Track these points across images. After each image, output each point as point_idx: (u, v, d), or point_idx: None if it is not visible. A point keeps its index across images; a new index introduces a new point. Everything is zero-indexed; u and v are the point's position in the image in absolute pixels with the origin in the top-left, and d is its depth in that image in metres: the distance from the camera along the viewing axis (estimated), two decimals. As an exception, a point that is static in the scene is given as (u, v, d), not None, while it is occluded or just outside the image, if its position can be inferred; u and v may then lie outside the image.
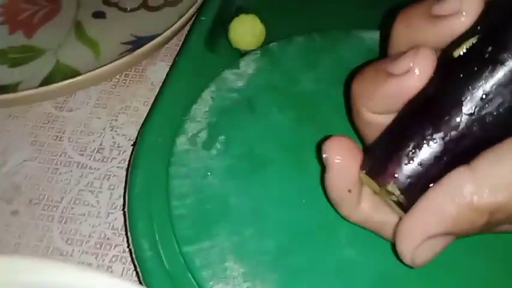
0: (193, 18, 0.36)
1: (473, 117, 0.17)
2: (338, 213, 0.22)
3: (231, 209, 0.24)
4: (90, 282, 0.16)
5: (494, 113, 0.17)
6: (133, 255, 0.24)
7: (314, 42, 0.31)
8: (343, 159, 0.20)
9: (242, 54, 0.32)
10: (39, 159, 0.31)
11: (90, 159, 0.31)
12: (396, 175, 0.18)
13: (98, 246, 0.27)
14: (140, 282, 0.23)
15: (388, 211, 0.20)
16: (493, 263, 0.23)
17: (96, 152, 0.31)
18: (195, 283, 0.22)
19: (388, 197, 0.19)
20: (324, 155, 0.20)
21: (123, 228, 0.28)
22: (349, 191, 0.20)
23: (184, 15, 0.36)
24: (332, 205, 0.22)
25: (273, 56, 0.30)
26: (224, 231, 0.23)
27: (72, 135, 0.32)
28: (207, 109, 0.28)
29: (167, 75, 0.31)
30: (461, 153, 0.17)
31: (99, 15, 0.39)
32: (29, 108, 0.33)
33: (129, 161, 0.29)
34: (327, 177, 0.20)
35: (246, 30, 0.32)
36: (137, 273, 0.24)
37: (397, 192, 0.18)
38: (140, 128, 0.30)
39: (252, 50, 0.31)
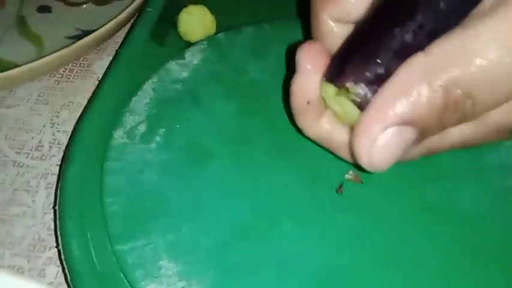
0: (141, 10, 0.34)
1: (429, 8, 0.17)
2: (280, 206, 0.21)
3: (168, 204, 0.23)
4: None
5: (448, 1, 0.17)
6: (62, 257, 0.22)
7: (264, 32, 0.30)
8: (311, 64, 0.19)
9: (191, 45, 0.30)
10: (-29, 158, 0.29)
11: (27, 157, 0.29)
12: (355, 73, 0.18)
13: (32, 248, 0.25)
14: (68, 285, 0.22)
15: (346, 131, 0.20)
16: (437, 250, 0.22)
17: (35, 150, 0.29)
18: (127, 283, 0.21)
19: (348, 98, 0.18)
20: (296, 57, 0.20)
21: (59, 229, 0.26)
22: (308, 102, 0.20)
23: (129, 7, 0.34)
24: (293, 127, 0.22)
25: (221, 46, 0.29)
26: (159, 228, 0.22)
27: (9, 133, 0.30)
28: (147, 101, 0.26)
29: (108, 66, 0.29)
30: (417, 47, 0.17)
31: (44, 9, 0.38)
32: (-36, 105, 0.31)
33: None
34: (293, 81, 0.20)
35: (195, 22, 0.31)
36: (65, 275, 0.22)
37: (357, 90, 0.18)
38: (76, 121, 0.29)
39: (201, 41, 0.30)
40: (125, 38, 0.31)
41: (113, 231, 0.22)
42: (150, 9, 0.32)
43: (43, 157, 0.29)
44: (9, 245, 0.25)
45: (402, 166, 0.24)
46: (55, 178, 0.28)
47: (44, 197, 0.27)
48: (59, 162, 0.29)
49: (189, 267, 0.21)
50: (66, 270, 0.22)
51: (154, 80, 0.27)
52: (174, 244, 0.21)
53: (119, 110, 0.26)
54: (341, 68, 0.18)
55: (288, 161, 0.24)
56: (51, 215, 0.27)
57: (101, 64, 0.34)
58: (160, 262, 0.21)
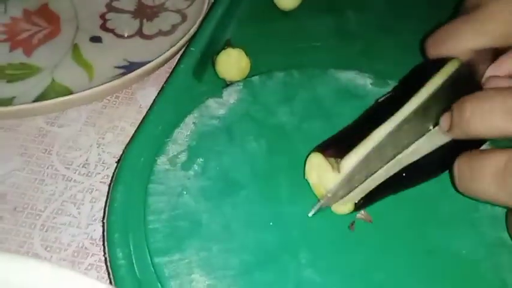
0: (184, 48, 0.38)
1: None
2: (299, 237, 0.25)
3: (202, 226, 0.26)
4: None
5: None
6: (108, 264, 0.25)
7: (292, 78, 0.34)
8: None
9: (227, 84, 0.34)
10: (27, 170, 0.33)
11: (75, 173, 0.33)
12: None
13: (76, 254, 0.29)
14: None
15: None
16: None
17: (82, 166, 0.33)
18: None
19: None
20: None
21: (101, 239, 0.29)
22: None
23: (175, 44, 0.38)
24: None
25: (254, 88, 0.33)
26: (194, 246, 0.25)
27: (61, 150, 0.34)
28: (188, 133, 0.30)
29: (155, 99, 0.33)
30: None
31: (96, 39, 0.42)
32: (22, 122, 0.35)
33: (112, 176, 0.31)
34: None
35: (232, 63, 0.35)
36: (110, 281, 0.26)
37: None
38: (125, 146, 0.33)
39: (236, 81, 0.34)
40: (170, 74, 0.35)
41: (153, 245, 0.25)
42: (193, 49, 0.36)
43: (89, 174, 0.33)
44: (56, 250, 0.29)
45: (407, 211, 0.27)
46: (99, 194, 0.32)
47: (89, 210, 0.31)
48: (103, 180, 0.32)
49: (218, 282, 0.24)
50: (111, 275, 0.25)
51: (195, 115, 0.31)
52: (205, 261, 0.25)
53: (163, 140, 0.30)
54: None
55: (308, 198, 0.27)
56: (95, 226, 0.30)
57: (143, 93, 0.38)
58: (193, 276, 0.24)
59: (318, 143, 0.29)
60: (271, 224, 0.27)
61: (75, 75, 0.39)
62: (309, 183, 0.28)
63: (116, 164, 0.33)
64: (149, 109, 0.32)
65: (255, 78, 0.34)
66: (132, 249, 0.25)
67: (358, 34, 0.39)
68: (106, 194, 0.32)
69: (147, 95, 0.38)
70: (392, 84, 0.33)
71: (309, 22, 0.40)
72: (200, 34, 0.37)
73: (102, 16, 0.44)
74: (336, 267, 0.25)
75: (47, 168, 0.33)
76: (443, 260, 0.26)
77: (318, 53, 0.37)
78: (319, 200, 0.26)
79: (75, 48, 0.41)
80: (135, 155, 0.29)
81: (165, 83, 0.34)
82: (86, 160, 0.34)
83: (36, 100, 0.36)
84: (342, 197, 0.26)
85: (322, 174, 0.26)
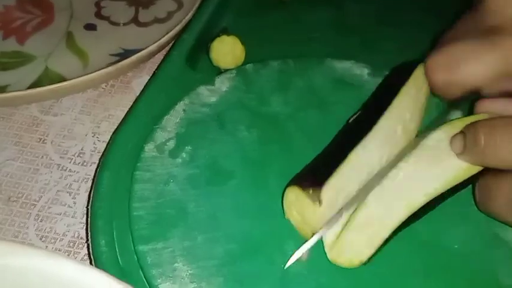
0: (180, 35, 0.38)
1: None
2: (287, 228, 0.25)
3: (188, 215, 0.26)
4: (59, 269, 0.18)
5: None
6: (90, 250, 0.26)
7: (287, 67, 0.33)
8: None
9: (220, 72, 0.34)
10: (21, 159, 0.33)
11: (70, 162, 0.33)
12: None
13: (71, 244, 0.29)
14: None
15: None
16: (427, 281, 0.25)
17: (77, 156, 0.33)
18: (144, 280, 0.24)
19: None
20: None
21: (96, 229, 0.29)
22: None
23: (170, 31, 0.38)
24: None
25: (247, 76, 0.33)
26: (178, 234, 0.25)
27: (55, 139, 0.34)
28: (177, 120, 0.30)
29: (145, 85, 0.33)
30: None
31: (90, 27, 0.42)
32: (16, 110, 0.35)
33: (98, 163, 0.31)
34: None
35: (227, 50, 0.34)
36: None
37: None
38: (113, 132, 0.32)
39: (230, 69, 0.33)
40: (162, 60, 0.35)
41: (137, 233, 0.25)
42: (186, 36, 0.36)
43: (84, 163, 0.33)
44: (51, 240, 0.29)
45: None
46: (94, 183, 0.32)
47: (84, 200, 0.31)
48: (98, 169, 0.32)
49: (201, 271, 0.24)
50: (93, 263, 0.25)
51: (186, 102, 0.31)
52: (189, 250, 0.25)
53: (151, 126, 0.30)
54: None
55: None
56: (90, 216, 0.30)
57: (139, 81, 0.38)
58: (176, 264, 0.24)
59: (311, 133, 0.29)
60: (257, 215, 0.27)
61: (69, 63, 0.38)
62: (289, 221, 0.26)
63: (110, 153, 0.33)
64: (139, 95, 0.32)
65: (249, 66, 0.33)
66: (115, 237, 0.26)
67: (356, 25, 0.39)
68: (101, 183, 0.32)
69: (143, 83, 0.37)
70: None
71: (307, 13, 0.40)
72: (195, 21, 0.37)
73: (97, 4, 0.44)
74: (323, 260, 0.25)
75: (42, 157, 0.33)
76: (435, 254, 0.26)
77: (315, 44, 0.37)
78: (305, 241, 0.24)
79: (69, 36, 0.41)
80: (123, 141, 0.29)
81: (156, 69, 0.34)
82: (82, 149, 0.34)
83: (30, 88, 0.36)
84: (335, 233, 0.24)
85: (302, 210, 0.25)
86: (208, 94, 0.32)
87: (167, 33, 0.38)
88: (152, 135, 0.29)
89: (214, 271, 0.24)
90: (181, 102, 0.31)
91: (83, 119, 0.35)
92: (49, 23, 0.41)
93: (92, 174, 0.32)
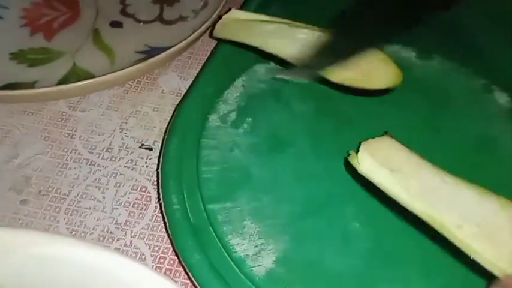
0: (205, 33, 0.38)
1: None
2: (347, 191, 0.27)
3: (252, 178, 0.28)
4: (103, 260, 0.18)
5: None
6: (163, 209, 0.26)
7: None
8: None
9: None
10: (50, 154, 0.32)
11: (99, 157, 0.33)
12: None
13: (101, 238, 0.29)
14: (167, 233, 0.26)
15: None
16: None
17: (105, 151, 0.33)
18: (215, 236, 0.25)
19: None
20: None
21: (126, 223, 0.29)
22: None
23: (197, 30, 0.38)
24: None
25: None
26: (245, 196, 0.27)
27: (83, 134, 0.34)
28: (237, 94, 0.32)
29: (206, 60, 0.35)
30: None
31: (116, 24, 0.42)
32: (44, 106, 0.35)
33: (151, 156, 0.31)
34: None
35: None
36: (165, 224, 0.27)
37: None
38: (177, 104, 0.34)
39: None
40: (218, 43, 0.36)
41: (206, 193, 0.27)
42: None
43: (113, 158, 0.33)
44: (82, 234, 0.29)
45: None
46: (123, 178, 0.32)
47: (113, 194, 0.31)
48: (127, 164, 0.32)
49: (268, 229, 0.26)
50: (166, 220, 0.26)
51: (244, 78, 0.33)
52: (256, 210, 0.27)
53: (214, 99, 0.32)
54: None
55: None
56: (119, 211, 0.30)
57: (165, 79, 0.38)
58: (244, 222, 0.26)
59: (362, 106, 0.31)
60: (316, 179, 0.28)
61: (96, 59, 0.38)
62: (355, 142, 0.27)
63: (139, 149, 0.33)
64: (201, 69, 0.34)
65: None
66: (185, 196, 0.27)
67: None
68: (130, 178, 0.31)
69: (169, 80, 0.38)
70: (436, 58, 0.34)
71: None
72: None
73: (122, 1, 0.44)
74: (380, 221, 0.26)
75: (70, 152, 0.33)
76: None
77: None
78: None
79: (96, 33, 0.41)
80: (187, 112, 0.31)
81: (213, 49, 0.36)
82: (109, 144, 0.33)
83: (58, 84, 0.36)
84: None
85: None
86: (265, 72, 0.34)
87: (194, 31, 0.38)
88: (215, 107, 0.32)
89: (280, 229, 0.26)
90: (240, 78, 0.34)
91: (110, 115, 0.35)
92: (75, 20, 0.42)
93: (120, 169, 0.32)
